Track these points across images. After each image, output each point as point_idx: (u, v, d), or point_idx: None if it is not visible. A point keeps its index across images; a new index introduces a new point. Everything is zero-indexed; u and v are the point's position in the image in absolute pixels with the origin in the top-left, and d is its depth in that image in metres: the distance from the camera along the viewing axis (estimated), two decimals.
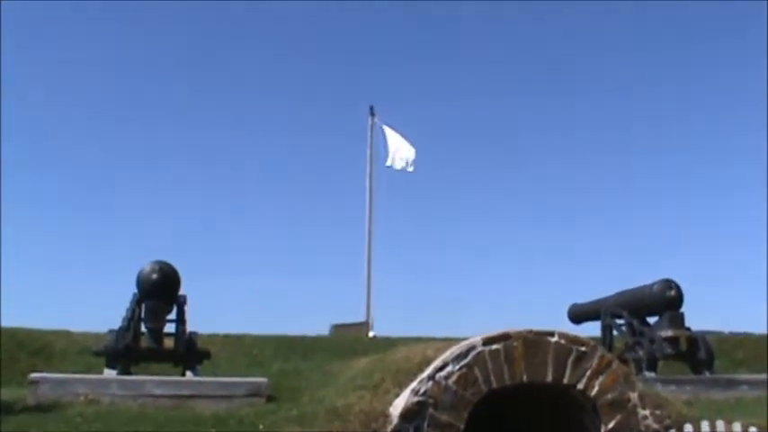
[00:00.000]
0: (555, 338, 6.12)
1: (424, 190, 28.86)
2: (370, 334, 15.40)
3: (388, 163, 17.19)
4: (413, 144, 17.51)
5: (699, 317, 9.93)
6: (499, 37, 33.04)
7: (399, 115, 18.93)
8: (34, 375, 6.87)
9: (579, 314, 11.05)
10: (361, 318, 16.52)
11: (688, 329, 9.36)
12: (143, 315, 7.57)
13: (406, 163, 17.32)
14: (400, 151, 17.40)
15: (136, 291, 7.70)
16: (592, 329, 10.37)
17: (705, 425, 5.99)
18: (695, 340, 9.23)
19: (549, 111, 32.34)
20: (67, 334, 10.64)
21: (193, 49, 31.83)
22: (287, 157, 32.02)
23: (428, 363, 5.99)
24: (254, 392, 6.86)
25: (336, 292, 25.35)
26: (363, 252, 16.77)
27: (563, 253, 30.15)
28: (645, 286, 9.71)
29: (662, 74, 30.76)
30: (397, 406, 5.78)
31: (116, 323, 7.55)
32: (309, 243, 29.55)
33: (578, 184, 31.85)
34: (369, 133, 17.63)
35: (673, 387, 8.07)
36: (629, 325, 9.59)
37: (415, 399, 5.74)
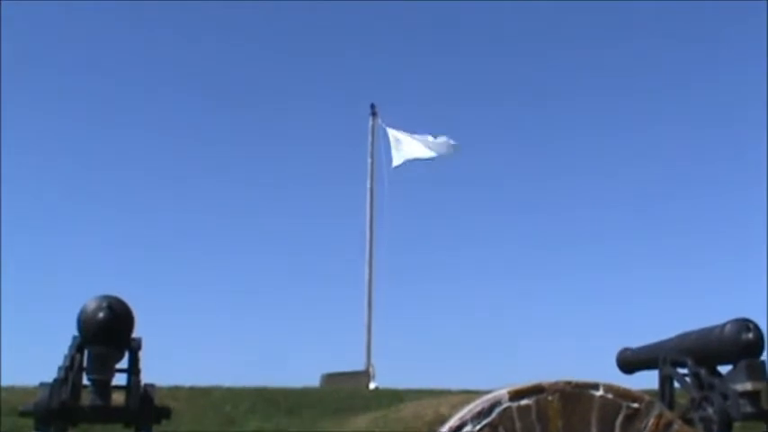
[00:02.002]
0: (600, 392, 6.04)
1: (437, 208, 28.87)
2: (371, 386, 15.38)
3: (395, 163, 17.33)
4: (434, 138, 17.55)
5: None
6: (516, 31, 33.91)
7: (405, 117, 19.11)
8: None
9: (631, 362, 10.93)
10: (359, 366, 16.51)
11: None
12: (85, 364, 7.49)
13: (426, 149, 17.37)
14: (410, 145, 17.50)
15: (76, 333, 7.64)
16: (647, 381, 10.26)
17: None
18: None
19: (576, 115, 32.81)
20: None
21: (179, 48, 32.53)
22: (266, 170, 32.17)
23: (442, 422, 5.91)
24: None
25: (329, 334, 25.24)
26: (363, 285, 16.80)
27: (610, 286, 30.00)
28: (714, 327, 9.59)
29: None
30: None
31: (49, 375, 7.48)
32: (296, 274, 29.51)
33: (629, 198, 31.83)
34: (370, 138, 17.74)
35: None
36: (696, 376, 9.46)
37: None
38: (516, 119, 33.32)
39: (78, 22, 32.50)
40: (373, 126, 17.99)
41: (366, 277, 16.80)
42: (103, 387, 7.50)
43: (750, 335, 9.49)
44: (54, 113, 30.80)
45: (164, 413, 7.76)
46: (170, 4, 32.87)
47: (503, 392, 5.94)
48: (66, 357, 7.52)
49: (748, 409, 9.12)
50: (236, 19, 33.84)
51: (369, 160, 17.54)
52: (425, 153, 17.47)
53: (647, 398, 6.04)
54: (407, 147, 17.52)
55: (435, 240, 30.02)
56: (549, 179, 32.65)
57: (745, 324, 9.57)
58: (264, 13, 33.32)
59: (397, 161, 17.42)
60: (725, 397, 9.22)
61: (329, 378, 15.26)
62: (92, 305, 7.66)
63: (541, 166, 32.82)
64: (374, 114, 18.14)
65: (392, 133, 17.81)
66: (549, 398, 5.81)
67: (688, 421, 7.87)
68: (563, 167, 32.83)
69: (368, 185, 17.23)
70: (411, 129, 18.11)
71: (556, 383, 5.91)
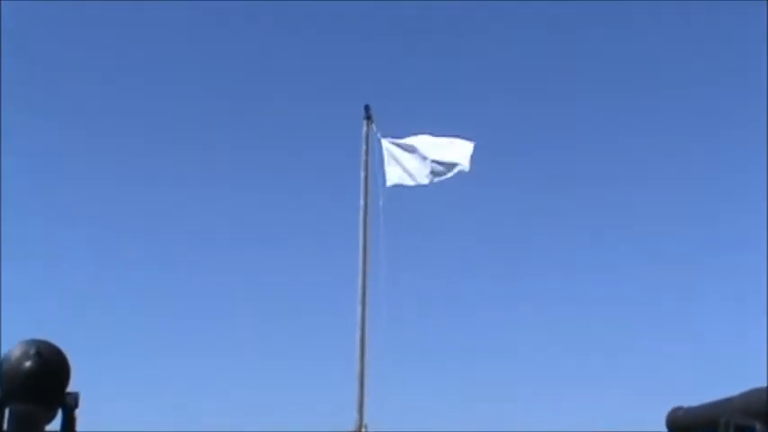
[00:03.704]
0: None
1: (444, 231, 28.76)
2: None
3: (389, 181, 17.07)
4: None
5: None
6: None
7: (404, 120, 18.95)
8: None
9: (685, 425, 10.67)
10: (348, 425, 16.43)
11: None
12: (6, 426, 7.28)
13: (433, 173, 17.07)
14: (407, 163, 17.23)
15: None
16: None
17: None
18: None
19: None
20: None
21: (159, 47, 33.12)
22: (242, 183, 32.16)
23: None
24: None
25: (312, 386, 25.04)
26: (355, 327, 16.55)
27: (658, 326, 29.84)
28: None
29: None
30: None
31: None
32: (271, 311, 29.33)
33: (678, 226, 31.82)
34: (363, 147, 17.49)
35: None
36: None
37: None
38: (535, 127, 33.77)
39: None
40: (367, 133, 17.78)
41: (359, 317, 16.56)
42: None
43: None
44: None
45: None
46: (152, 4, 33.93)
47: None
48: None
49: None
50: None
51: (362, 174, 17.28)
52: (421, 177, 17.22)
53: None
54: (404, 164, 17.29)
55: (442, 270, 30.02)
56: (573, 204, 32.97)
57: None
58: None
59: (391, 179, 17.21)
60: None
61: None
62: (16, 352, 7.43)
63: (565, 189, 33.17)
64: (369, 118, 17.88)
65: (387, 146, 17.57)
66: None
67: None
68: (584, 191, 33.26)
69: (361, 203, 16.97)
70: (411, 133, 17.91)
71: None
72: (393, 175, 17.32)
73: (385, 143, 17.67)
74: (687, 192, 35.25)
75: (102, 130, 34.07)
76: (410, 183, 17.37)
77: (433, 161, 17.26)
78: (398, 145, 17.65)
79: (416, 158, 17.44)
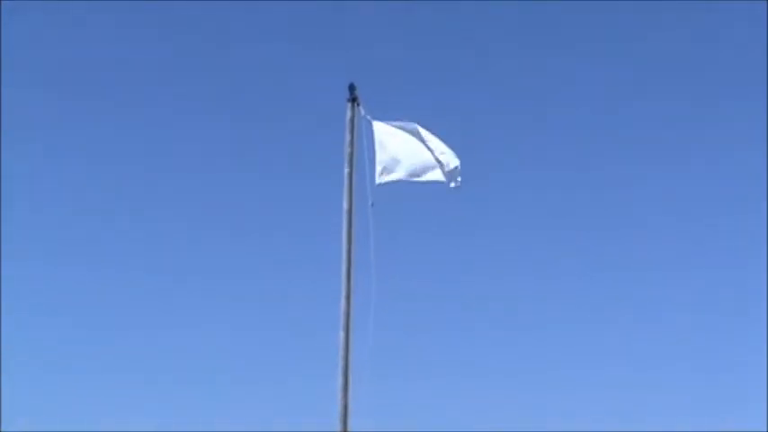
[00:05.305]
0: None
1: (438, 236, 28.32)
2: None
3: (379, 178, 15.99)
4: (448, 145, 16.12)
5: None
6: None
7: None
8: None
9: None
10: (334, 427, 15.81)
11: None
12: None
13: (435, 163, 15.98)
14: (408, 151, 16.16)
15: None
16: None
17: None
18: None
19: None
20: None
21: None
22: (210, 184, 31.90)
23: None
24: None
25: (294, 399, 24.71)
26: (337, 342, 15.98)
27: (651, 329, 29.77)
28: None
29: None
30: None
31: None
32: (243, 322, 29.03)
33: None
34: (348, 137, 16.37)
35: None
36: None
37: None
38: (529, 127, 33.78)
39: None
40: (353, 118, 16.48)
41: (343, 332, 15.95)
42: None
43: None
44: None
45: None
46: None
47: None
48: None
49: None
50: None
51: (346, 170, 16.05)
52: (431, 173, 15.96)
53: None
54: (403, 153, 16.14)
55: (435, 277, 29.81)
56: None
57: None
58: None
59: (382, 176, 16.03)
60: None
61: None
62: None
63: (560, 190, 33.26)
64: (354, 101, 16.47)
65: (380, 131, 16.41)
66: None
67: None
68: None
69: (345, 206, 15.87)
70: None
71: None
72: (384, 170, 15.98)
73: (378, 126, 16.28)
74: (686, 192, 35.81)
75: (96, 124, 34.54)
76: (402, 175, 16.12)
77: (431, 150, 16.04)
78: (394, 126, 16.39)
79: (415, 140, 16.24)
